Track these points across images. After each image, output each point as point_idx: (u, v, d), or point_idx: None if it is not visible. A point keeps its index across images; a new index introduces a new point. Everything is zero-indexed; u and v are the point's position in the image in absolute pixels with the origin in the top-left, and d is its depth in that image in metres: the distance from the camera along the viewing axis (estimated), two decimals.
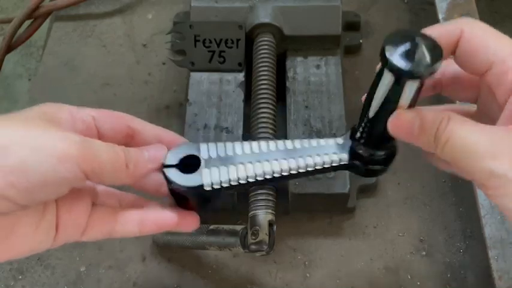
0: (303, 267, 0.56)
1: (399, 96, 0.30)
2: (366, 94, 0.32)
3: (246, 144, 0.36)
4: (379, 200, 0.60)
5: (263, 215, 0.50)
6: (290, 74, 0.62)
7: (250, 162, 0.35)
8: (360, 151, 0.35)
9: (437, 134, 0.29)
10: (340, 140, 0.36)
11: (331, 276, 0.56)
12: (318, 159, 0.35)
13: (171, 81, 0.70)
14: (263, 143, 0.36)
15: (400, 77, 0.28)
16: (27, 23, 0.74)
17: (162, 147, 0.35)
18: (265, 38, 0.62)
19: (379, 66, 0.29)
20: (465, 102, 0.35)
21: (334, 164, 0.36)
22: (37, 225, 0.31)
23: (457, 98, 0.36)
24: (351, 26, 0.70)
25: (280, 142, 0.36)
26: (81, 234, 0.34)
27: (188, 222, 0.36)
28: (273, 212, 0.50)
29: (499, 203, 0.28)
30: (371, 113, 0.32)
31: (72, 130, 0.32)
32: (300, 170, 0.35)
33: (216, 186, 0.34)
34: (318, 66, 0.63)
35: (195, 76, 0.63)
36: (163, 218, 0.35)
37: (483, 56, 0.30)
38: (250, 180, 0.35)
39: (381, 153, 0.35)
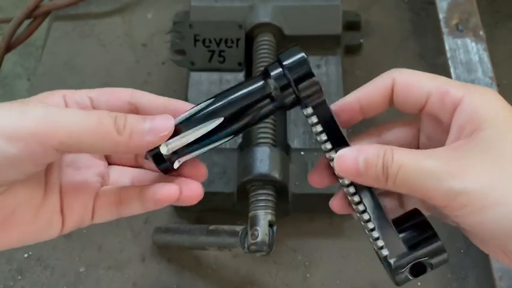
0: (303, 268, 0.56)
1: None
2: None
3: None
4: None
5: (263, 215, 0.49)
6: None
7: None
8: None
9: (385, 166, 0.29)
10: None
11: (331, 276, 0.56)
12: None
13: (171, 81, 0.69)
14: None
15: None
16: (27, 22, 0.74)
17: (168, 117, 0.31)
18: (265, 38, 0.61)
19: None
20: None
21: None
22: (36, 211, 0.30)
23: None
24: (351, 25, 0.70)
25: None
26: (91, 217, 0.33)
27: (191, 191, 0.32)
28: (273, 212, 0.50)
29: (468, 222, 0.28)
30: None
31: None
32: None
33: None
34: (318, 66, 0.63)
35: (195, 76, 0.62)
36: (162, 192, 0.31)
37: (419, 90, 0.31)
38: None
39: None
